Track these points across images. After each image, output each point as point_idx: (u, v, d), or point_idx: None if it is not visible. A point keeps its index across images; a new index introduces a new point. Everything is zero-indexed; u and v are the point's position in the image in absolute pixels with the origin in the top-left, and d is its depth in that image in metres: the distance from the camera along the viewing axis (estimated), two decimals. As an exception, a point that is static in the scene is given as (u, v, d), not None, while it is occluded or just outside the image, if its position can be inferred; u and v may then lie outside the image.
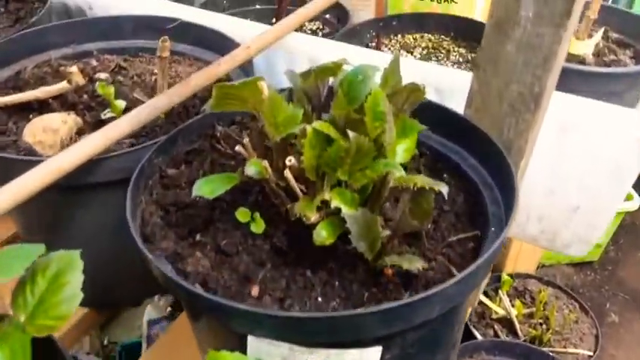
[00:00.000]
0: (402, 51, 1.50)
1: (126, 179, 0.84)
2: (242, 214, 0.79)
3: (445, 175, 0.93)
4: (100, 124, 1.08)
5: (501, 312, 1.89)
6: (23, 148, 0.96)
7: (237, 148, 0.73)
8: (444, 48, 1.49)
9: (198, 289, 0.68)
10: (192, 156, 0.93)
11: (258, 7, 1.76)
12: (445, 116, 0.94)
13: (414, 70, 1.08)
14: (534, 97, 0.82)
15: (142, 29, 1.32)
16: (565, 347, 1.87)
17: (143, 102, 1.13)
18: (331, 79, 0.84)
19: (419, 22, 1.56)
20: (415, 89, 0.73)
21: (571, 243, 1.23)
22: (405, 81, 0.79)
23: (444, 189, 0.63)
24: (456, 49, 1.49)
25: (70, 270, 0.61)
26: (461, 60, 1.43)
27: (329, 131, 0.71)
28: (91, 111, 1.11)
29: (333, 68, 0.80)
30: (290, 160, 0.70)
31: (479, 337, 1.82)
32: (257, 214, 0.79)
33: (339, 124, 0.76)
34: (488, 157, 0.88)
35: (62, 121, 1.03)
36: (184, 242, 0.80)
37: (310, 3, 1.22)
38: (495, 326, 1.87)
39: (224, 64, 0.99)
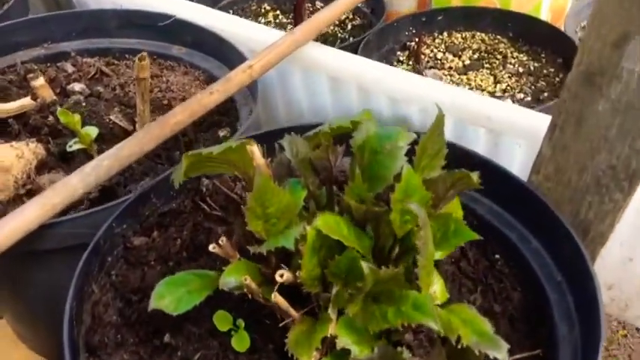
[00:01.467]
0: (447, 54, 1.29)
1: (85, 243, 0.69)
2: (221, 320, 0.62)
3: (497, 257, 0.74)
4: (67, 156, 0.92)
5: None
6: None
7: (212, 247, 0.55)
8: (499, 52, 1.27)
9: None
10: (169, 219, 0.76)
11: (277, -11, 1.56)
12: (500, 178, 0.75)
13: (456, 102, 0.88)
14: (629, 174, 0.62)
15: (130, 26, 1.14)
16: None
17: (121, 127, 0.96)
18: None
19: (470, 17, 1.33)
20: (463, 177, 0.53)
21: (649, 317, 1.03)
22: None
23: (502, 354, 0.44)
24: (515, 54, 1.26)
25: None
26: (520, 70, 1.21)
27: (338, 234, 0.53)
28: (57, 137, 0.94)
29: (350, 127, 0.62)
30: (281, 276, 0.53)
31: None
32: (241, 322, 0.62)
33: (355, 215, 0.57)
34: (557, 243, 0.69)
35: (16, 156, 0.87)
36: (146, 347, 0.64)
37: (332, 4, 1.01)
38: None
39: (217, 92, 0.81)
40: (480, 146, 0.89)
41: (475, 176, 0.53)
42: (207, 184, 0.78)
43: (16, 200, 0.85)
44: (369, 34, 1.24)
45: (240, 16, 1.51)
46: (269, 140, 0.82)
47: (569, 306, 0.65)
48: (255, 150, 0.60)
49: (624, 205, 0.65)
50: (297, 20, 1.23)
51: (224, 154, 0.59)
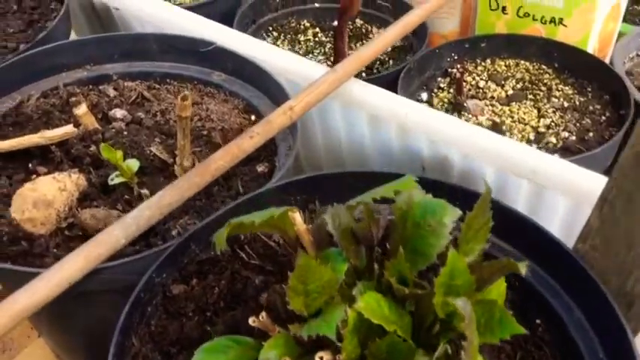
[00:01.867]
0: (489, 82, 1.26)
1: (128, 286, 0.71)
2: (258, 383, 0.63)
3: (538, 322, 0.73)
4: (108, 188, 0.94)
5: None
6: (7, 232, 0.83)
7: (252, 321, 0.56)
8: (544, 84, 1.24)
9: None
10: (208, 267, 0.77)
11: (317, 5, 1.54)
12: (545, 242, 0.74)
13: (499, 151, 0.87)
14: (682, 255, 0.61)
15: (171, 50, 1.15)
16: None
17: (161, 159, 0.98)
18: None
19: (515, 45, 1.30)
20: (510, 266, 0.53)
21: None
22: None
23: None
24: (560, 86, 1.23)
25: None
26: (565, 104, 1.18)
27: (379, 317, 0.53)
28: (98, 168, 0.96)
29: (394, 196, 0.62)
30: (321, 358, 0.53)
31: None
32: (278, 386, 0.63)
33: (395, 293, 0.57)
34: (601, 318, 0.68)
35: (59, 189, 0.88)
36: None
37: (376, 39, 1.00)
38: None
39: (257, 136, 0.82)
40: (521, 197, 0.88)
41: (523, 267, 0.52)
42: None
43: (58, 234, 0.87)
44: (409, 62, 1.23)
45: (280, 33, 1.51)
46: (309, 187, 0.82)
47: (611, 385, 0.64)
48: (297, 217, 0.61)
49: (673, 283, 0.64)
50: (337, 45, 1.22)
51: (266, 221, 0.60)
